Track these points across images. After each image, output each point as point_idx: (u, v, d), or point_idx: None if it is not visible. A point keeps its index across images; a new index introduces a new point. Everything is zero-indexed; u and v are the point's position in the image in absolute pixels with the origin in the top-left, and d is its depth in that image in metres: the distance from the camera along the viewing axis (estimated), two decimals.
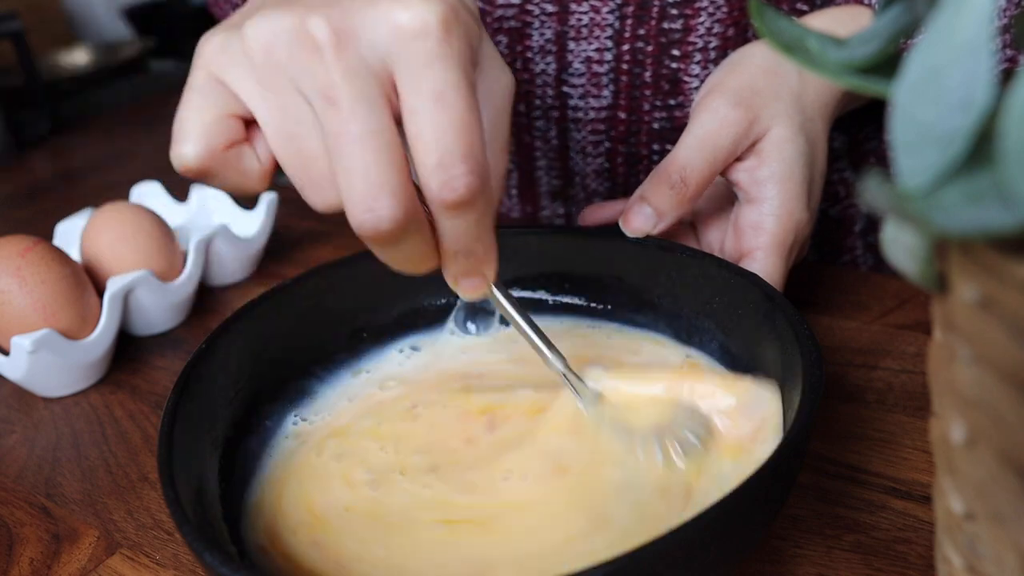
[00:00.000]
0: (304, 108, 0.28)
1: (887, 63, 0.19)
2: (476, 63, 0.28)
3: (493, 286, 0.33)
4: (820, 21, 0.47)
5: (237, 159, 0.30)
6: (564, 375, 0.35)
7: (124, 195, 0.66)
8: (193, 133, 0.29)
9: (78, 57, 1.50)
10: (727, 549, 0.26)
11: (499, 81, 0.30)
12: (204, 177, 0.30)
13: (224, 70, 0.29)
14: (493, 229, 0.30)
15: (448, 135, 0.26)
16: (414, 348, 0.43)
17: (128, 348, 0.54)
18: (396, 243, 0.28)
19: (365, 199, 0.26)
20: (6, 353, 0.48)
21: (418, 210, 0.27)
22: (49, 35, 1.78)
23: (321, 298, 0.41)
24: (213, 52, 0.29)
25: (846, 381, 0.41)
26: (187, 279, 0.55)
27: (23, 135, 1.08)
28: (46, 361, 0.47)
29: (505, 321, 0.43)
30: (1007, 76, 0.15)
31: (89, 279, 0.51)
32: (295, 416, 0.39)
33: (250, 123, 0.30)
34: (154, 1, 2.07)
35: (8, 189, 0.92)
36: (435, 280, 0.37)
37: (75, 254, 0.57)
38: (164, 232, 0.55)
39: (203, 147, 0.29)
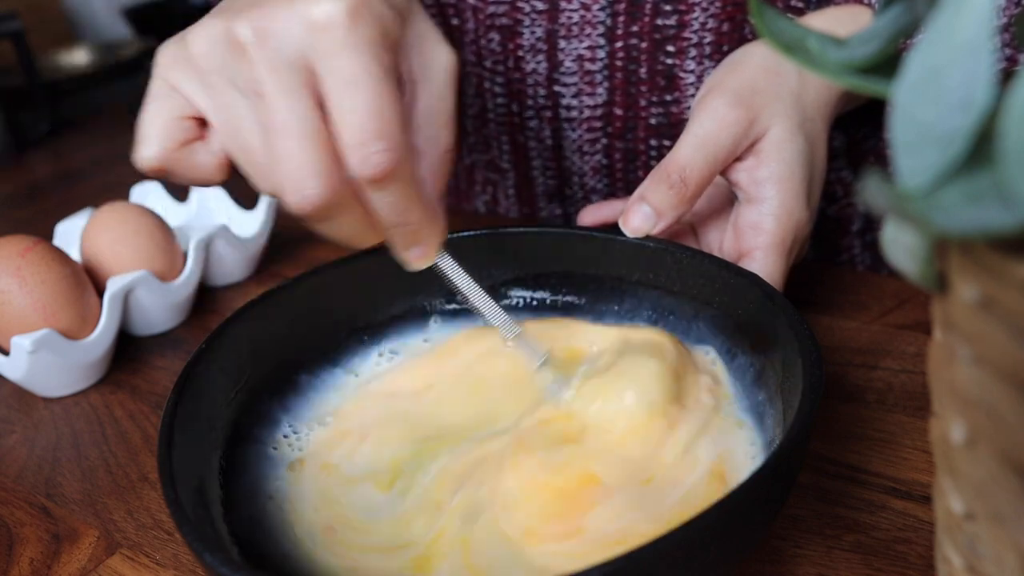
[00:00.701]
0: (242, 103, 0.30)
1: (887, 63, 0.19)
2: (395, 47, 0.30)
3: (439, 256, 0.35)
4: (820, 21, 0.47)
5: (191, 155, 0.33)
6: (516, 340, 0.37)
7: (124, 195, 0.66)
8: (150, 136, 0.32)
9: (78, 57, 1.50)
10: (727, 549, 0.26)
11: (436, 59, 0.32)
12: (164, 174, 0.33)
13: (174, 77, 0.32)
14: (432, 201, 0.33)
15: (362, 116, 0.28)
16: (393, 352, 0.43)
17: (128, 348, 0.54)
18: (330, 219, 0.30)
19: (294, 181, 0.29)
20: (6, 353, 0.48)
21: (346, 188, 0.30)
22: (49, 35, 1.78)
23: (321, 298, 0.41)
24: (165, 62, 0.32)
25: (846, 381, 0.41)
26: (187, 279, 0.55)
27: (23, 135, 1.08)
28: (46, 361, 0.47)
29: None
30: (1007, 76, 0.15)
31: (89, 279, 0.51)
32: (294, 416, 0.39)
33: (205, 122, 0.33)
34: (154, 1, 2.07)
35: (8, 189, 0.92)
36: (435, 280, 0.37)
37: (75, 254, 0.57)
38: (164, 232, 0.55)
39: (159, 148, 0.32)
